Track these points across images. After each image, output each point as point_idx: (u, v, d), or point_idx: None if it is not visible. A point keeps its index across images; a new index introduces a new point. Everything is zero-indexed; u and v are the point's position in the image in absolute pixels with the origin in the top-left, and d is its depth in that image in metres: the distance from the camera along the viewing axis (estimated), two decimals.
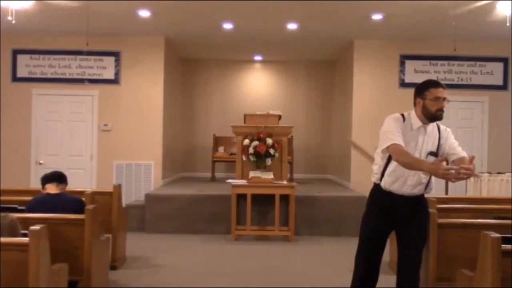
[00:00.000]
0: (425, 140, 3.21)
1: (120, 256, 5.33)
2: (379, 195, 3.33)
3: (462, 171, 2.81)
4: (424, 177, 3.21)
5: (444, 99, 3.16)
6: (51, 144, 8.64)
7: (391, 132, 3.15)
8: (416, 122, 3.21)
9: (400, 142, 3.09)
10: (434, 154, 3.19)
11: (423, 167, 2.94)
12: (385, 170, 3.27)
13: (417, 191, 3.24)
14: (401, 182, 3.21)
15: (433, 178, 3.29)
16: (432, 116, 3.17)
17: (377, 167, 3.35)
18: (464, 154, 3.18)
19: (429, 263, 3.84)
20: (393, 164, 3.21)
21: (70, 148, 8.66)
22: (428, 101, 3.16)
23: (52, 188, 4.09)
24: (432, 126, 3.24)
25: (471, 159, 2.91)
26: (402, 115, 3.27)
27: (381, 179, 3.30)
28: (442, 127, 3.30)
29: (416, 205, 3.30)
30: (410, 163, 3.02)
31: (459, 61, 8.60)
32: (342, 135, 9.43)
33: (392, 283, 3.46)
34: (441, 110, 3.15)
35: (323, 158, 10.96)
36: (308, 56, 10.58)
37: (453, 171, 2.80)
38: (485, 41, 8.40)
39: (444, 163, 2.87)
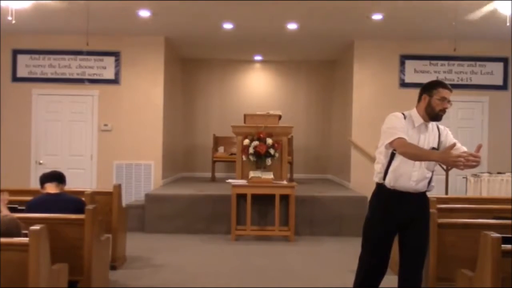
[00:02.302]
0: (426, 137, 3.26)
1: (120, 256, 5.33)
2: (383, 195, 3.32)
3: (471, 158, 2.90)
4: (427, 172, 3.26)
5: (449, 101, 3.24)
6: (51, 144, 8.64)
7: (394, 128, 3.21)
8: (417, 119, 3.28)
9: (404, 136, 3.16)
10: (436, 150, 3.25)
11: (433, 156, 3.07)
12: (388, 167, 3.28)
13: (421, 186, 3.27)
14: (406, 177, 3.23)
15: (433, 176, 3.34)
16: (434, 114, 3.24)
17: (380, 166, 3.34)
18: (464, 149, 3.23)
19: (429, 263, 3.84)
20: (397, 160, 3.23)
21: (70, 148, 8.66)
22: (434, 100, 3.23)
23: (52, 188, 4.10)
24: (431, 124, 3.33)
25: (479, 147, 3.01)
26: (403, 113, 3.32)
27: (384, 178, 3.30)
28: (441, 126, 3.38)
29: (420, 204, 3.32)
30: (418, 155, 3.11)
31: (459, 61, 8.59)
32: (342, 135, 9.43)
33: (392, 283, 3.47)
34: (443, 111, 3.24)
35: (323, 158, 10.96)
36: (308, 56, 10.58)
37: (462, 159, 2.89)
38: (485, 41, 8.40)
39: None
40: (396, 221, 3.31)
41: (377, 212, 3.38)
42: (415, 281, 3.27)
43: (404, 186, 3.25)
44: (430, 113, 3.25)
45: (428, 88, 3.29)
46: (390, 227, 3.34)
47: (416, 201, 3.30)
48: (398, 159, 3.22)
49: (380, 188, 3.34)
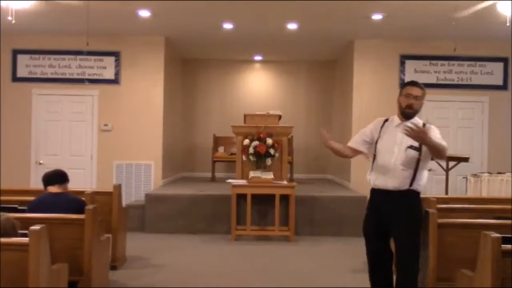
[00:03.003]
0: (404, 136, 3.30)
1: (120, 256, 5.33)
2: (371, 194, 3.53)
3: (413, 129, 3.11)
4: (402, 168, 3.31)
5: (416, 97, 3.37)
6: (51, 144, 8.64)
7: (360, 132, 3.65)
8: (396, 120, 3.48)
9: (353, 140, 3.63)
10: (415, 148, 3.32)
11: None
12: (373, 167, 3.50)
13: (398, 184, 3.34)
14: (382, 175, 3.38)
15: (423, 173, 3.38)
16: (402, 111, 3.41)
17: (370, 167, 3.55)
18: (444, 144, 3.29)
19: (429, 263, 3.84)
20: (377, 160, 3.43)
21: (70, 148, 8.66)
22: (401, 97, 3.44)
23: (54, 189, 4.11)
24: (413, 125, 3.34)
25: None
26: (388, 118, 3.54)
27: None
28: (427, 125, 3.43)
29: (403, 203, 3.36)
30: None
31: (459, 61, 8.59)
32: (342, 135, 9.43)
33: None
34: (409, 107, 3.37)
35: (323, 158, 10.94)
36: (308, 56, 10.58)
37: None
38: (485, 41, 8.40)
39: None
40: (382, 220, 3.42)
41: (368, 211, 3.56)
42: (405, 281, 3.32)
43: (382, 184, 3.38)
44: (401, 111, 3.42)
45: (400, 90, 3.51)
46: (379, 226, 3.45)
47: (400, 200, 3.35)
48: (378, 158, 3.40)
49: (371, 187, 3.54)
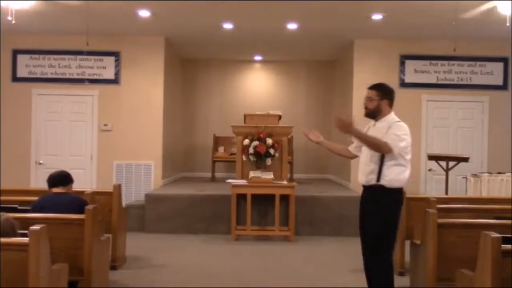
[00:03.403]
0: (373, 133, 3.57)
1: (120, 256, 5.33)
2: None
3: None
4: (369, 164, 3.52)
5: (369, 98, 3.65)
6: (51, 144, 8.64)
7: None
8: (373, 122, 3.71)
9: (352, 145, 3.98)
10: None
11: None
12: None
13: (366, 178, 3.56)
14: (359, 172, 3.66)
15: (392, 169, 3.47)
16: None
17: None
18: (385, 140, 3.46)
19: (429, 263, 3.84)
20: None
21: (70, 148, 8.66)
22: None
23: (58, 191, 4.15)
24: (385, 123, 3.59)
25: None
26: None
27: None
28: (396, 124, 3.57)
29: (370, 198, 3.57)
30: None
31: (459, 61, 8.58)
32: (342, 135, 9.42)
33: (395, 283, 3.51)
34: (365, 108, 3.67)
35: (323, 158, 10.95)
36: (308, 56, 10.58)
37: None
38: (485, 41, 8.40)
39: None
40: (361, 216, 3.64)
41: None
42: (376, 282, 3.46)
43: (360, 180, 3.66)
44: None
45: None
46: (361, 222, 3.65)
47: (368, 195, 3.58)
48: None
49: None
